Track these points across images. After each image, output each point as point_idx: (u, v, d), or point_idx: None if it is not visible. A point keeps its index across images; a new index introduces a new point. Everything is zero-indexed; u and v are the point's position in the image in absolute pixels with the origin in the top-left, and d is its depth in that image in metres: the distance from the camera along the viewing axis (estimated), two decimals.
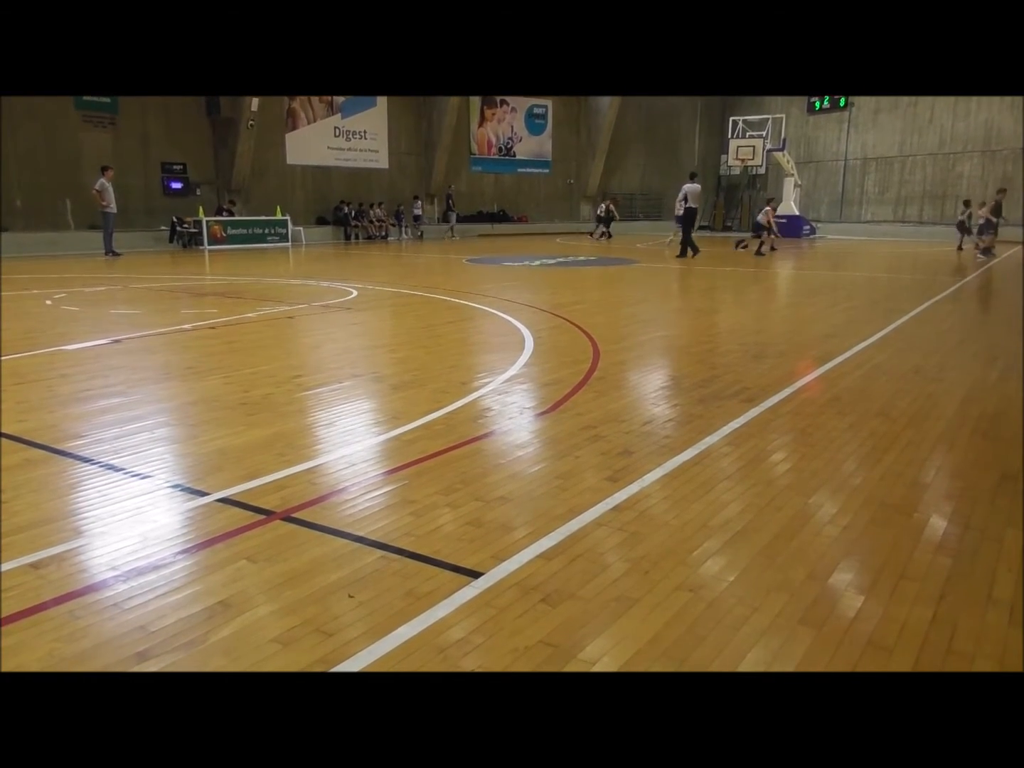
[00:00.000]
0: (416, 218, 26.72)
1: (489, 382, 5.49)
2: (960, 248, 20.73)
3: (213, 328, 7.99)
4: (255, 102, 22.19)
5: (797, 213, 28.71)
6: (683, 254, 17.62)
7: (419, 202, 26.81)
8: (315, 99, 25.17)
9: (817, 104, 32.88)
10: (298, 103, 24.92)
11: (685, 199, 17.71)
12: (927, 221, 29.94)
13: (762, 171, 31.03)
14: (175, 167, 22.57)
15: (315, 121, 25.54)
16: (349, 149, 26.46)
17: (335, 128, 26.03)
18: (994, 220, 18.32)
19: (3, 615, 2.38)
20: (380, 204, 25.91)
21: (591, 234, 26.90)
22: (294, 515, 3.15)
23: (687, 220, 17.82)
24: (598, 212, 26.83)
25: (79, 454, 3.89)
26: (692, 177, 18.25)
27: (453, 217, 27.27)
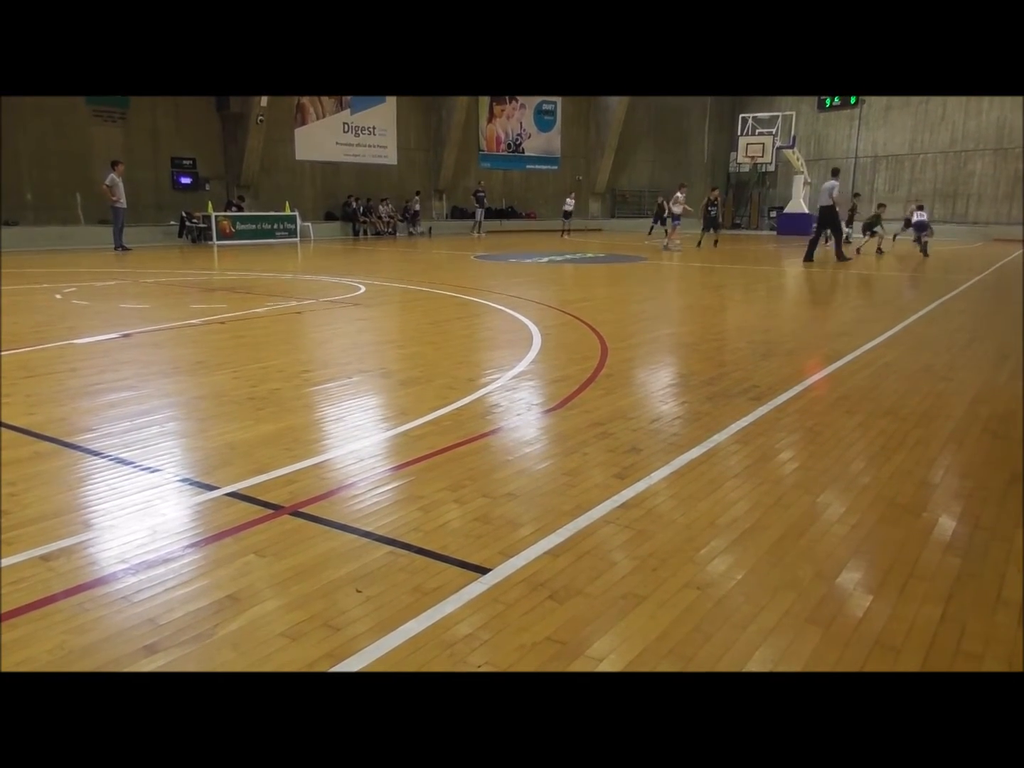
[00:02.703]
0: (414, 214, 26.22)
1: (497, 378, 5.49)
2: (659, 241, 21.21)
3: (222, 323, 8.02)
4: (264, 98, 22.21)
5: (807, 211, 28.59)
6: (840, 255, 16.35)
7: (417, 197, 26.34)
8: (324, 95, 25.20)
9: (828, 101, 32.72)
10: (307, 99, 24.92)
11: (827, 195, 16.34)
12: (938, 219, 29.79)
13: (772, 169, 30.94)
14: (184, 162, 22.63)
15: (324, 117, 25.56)
16: (358, 145, 26.46)
17: (344, 124, 26.04)
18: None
19: (15, 607, 2.39)
20: (385, 200, 25.77)
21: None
22: (302, 510, 3.16)
23: (824, 220, 16.47)
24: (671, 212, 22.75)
25: (89, 447, 3.91)
26: (834, 174, 16.89)
27: (480, 214, 26.65)
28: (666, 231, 24.33)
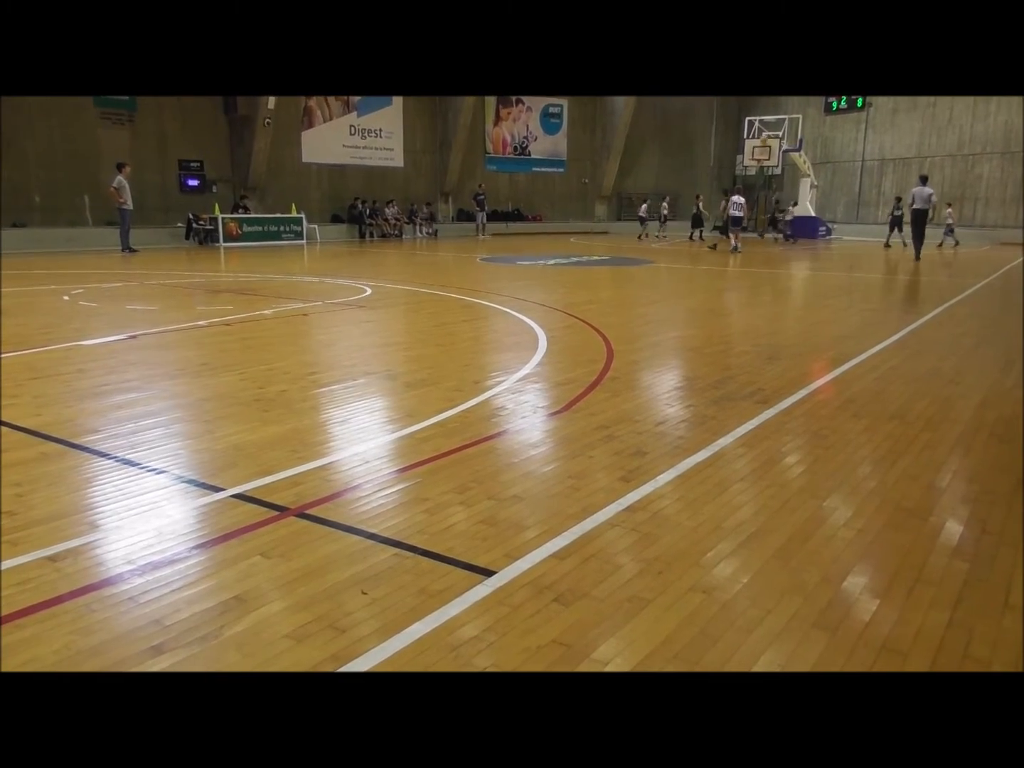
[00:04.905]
0: (431, 216, 26.64)
1: (503, 381, 5.49)
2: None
3: (228, 325, 8.04)
4: (272, 100, 22.30)
5: (813, 214, 28.56)
6: (917, 258, 17.28)
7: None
8: (331, 97, 25.24)
9: (834, 104, 32.64)
10: (314, 101, 25.00)
11: (912, 201, 17.30)
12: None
13: (778, 172, 30.84)
14: (192, 164, 22.72)
15: (331, 119, 25.63)
16: (364, 147, 26.53)
17: (351, 126, 26.11)
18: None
19: (22, 607, 2.40)
20: (390, 203, 25.85)
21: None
22: (308, 511, 3.17)
23: (920, 222, 17.24)
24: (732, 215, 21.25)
25: (95, 449, 3.92)
26: (924, 181, 17.53)
27: (482, 217, 27.00)
28: (701, 233, 26.24)
